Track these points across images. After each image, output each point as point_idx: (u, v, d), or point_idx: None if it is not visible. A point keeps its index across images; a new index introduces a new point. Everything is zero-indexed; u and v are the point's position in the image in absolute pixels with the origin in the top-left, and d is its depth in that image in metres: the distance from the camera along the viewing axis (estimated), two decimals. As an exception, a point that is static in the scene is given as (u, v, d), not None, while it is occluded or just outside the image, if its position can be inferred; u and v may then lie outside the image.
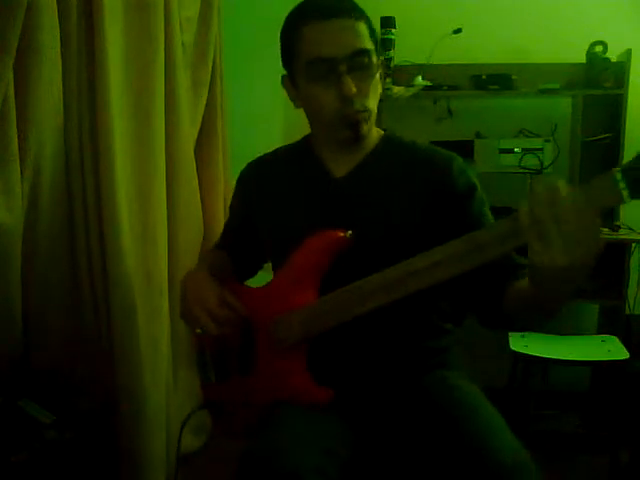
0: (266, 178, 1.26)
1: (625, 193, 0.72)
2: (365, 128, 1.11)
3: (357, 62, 1.07)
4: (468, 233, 0.89)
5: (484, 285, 1.04)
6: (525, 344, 2.07)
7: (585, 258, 0.76)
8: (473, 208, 1.13)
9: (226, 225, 1.41)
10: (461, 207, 1.12)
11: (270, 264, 1.31)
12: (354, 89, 1.05)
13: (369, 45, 1.08)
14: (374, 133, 1.19)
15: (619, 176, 0.72)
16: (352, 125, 1.09)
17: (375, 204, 1.14)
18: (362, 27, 1.08)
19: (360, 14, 1.09)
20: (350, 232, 1.06)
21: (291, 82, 1.15)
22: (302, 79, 1.10)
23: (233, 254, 1.32)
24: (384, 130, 1.23)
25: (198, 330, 1.13)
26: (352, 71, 1.06)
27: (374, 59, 1.09)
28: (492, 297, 1.03)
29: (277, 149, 1.31)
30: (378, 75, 1.11)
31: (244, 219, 1.29)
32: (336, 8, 1.07)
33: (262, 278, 1.30)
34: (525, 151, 2.45)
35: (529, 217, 0.77)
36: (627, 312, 2.38)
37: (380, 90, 1.13)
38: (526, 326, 1.57)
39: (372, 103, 1.11)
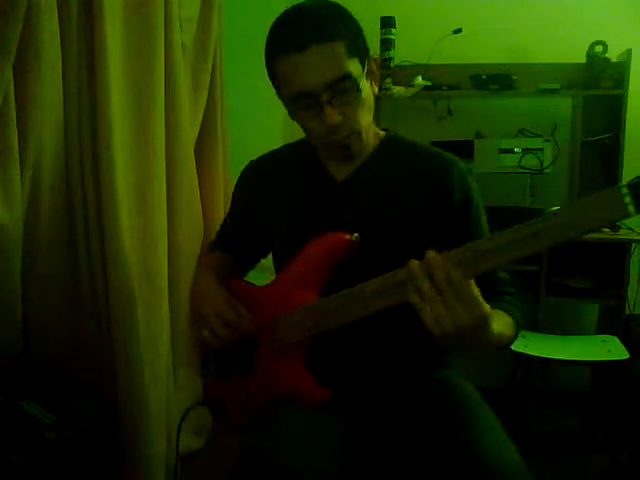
0: (268, 178, 1.26)
1: (631, 207, 0.75)
2: (356, 147, 1.11)
3: (338, 88, 1.02)
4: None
5: None
6: (525, 344, 2.07)
7: (470, 323, 0.84)
8: (468, 222, 1.14)
9: (226, 221, 1.41)
10: (457, 220, 1.13)
11: (263, 263, 1.31)
12: (337, 118, 1.03)
13: (350, 67, 1.02)
14: (373, 137, 1.18)
15: (625, 190, 0.75)
16: (342, 147, 1.10)
17: (375, 207, 1.14)
18: (339, 48, 1.01)
19: (336, 31, 1.01)
20: (356, 235, 1.05)
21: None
22: (288, 108, 1.10)
23: (233, 248, 1.32)
24: (385, 130, 1.23)
25: (205, 333, 1.13)
26: (335, 97, 1.02)
27: (357, 79, 1.03)
28: None
29: (280, 147, 1.31)
30: (367, 88, 1.07)
31: (246, 216, 1.29)
32: (309, 33, 1.00)
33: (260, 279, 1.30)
34: (525, 151, 2.45)
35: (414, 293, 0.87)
36: (627, 312, 2.39)
37: (372, 100, 1.10)
38: None
39: (362, 121, 1.08)
